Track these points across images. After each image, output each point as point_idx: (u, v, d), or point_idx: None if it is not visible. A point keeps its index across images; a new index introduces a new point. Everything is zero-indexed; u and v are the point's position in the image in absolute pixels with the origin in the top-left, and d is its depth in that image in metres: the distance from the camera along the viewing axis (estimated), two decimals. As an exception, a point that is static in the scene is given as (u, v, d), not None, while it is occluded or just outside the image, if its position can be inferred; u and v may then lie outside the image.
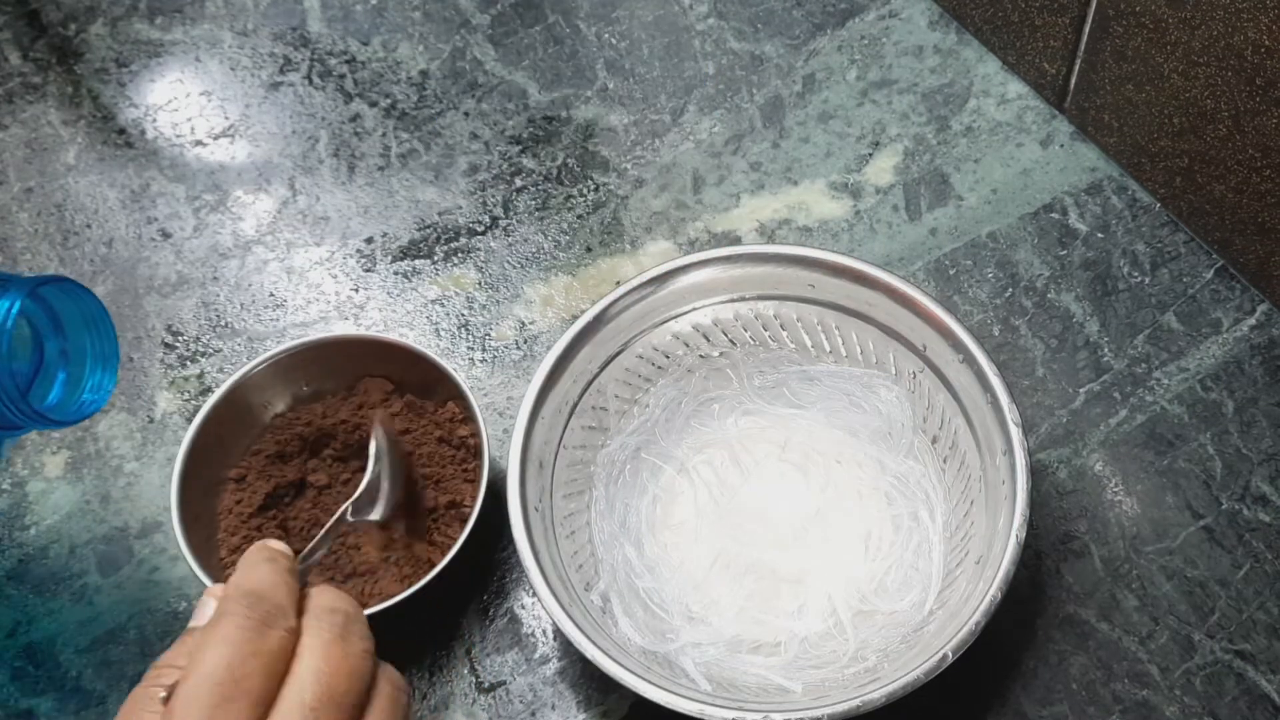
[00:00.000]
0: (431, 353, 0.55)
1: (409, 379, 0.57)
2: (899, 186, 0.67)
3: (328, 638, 0.38)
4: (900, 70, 0.71)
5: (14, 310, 0.42)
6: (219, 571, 0.53)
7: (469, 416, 0.55)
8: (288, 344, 0.56)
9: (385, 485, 0.51)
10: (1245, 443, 0.57)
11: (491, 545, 0.56)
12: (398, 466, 0.53)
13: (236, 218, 0.68)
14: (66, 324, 0.45)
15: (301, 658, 0.38)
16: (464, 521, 0.52)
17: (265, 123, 0.72)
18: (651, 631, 0.51)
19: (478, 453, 0.54)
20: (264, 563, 0.41)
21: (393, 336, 0.57)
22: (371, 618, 0.49)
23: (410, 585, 0.50)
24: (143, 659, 0.55)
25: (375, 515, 0.51)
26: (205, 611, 0.41)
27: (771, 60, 0.72)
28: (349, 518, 0.49)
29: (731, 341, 0.58)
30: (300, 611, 0.40)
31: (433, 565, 0.51)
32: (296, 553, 0.43)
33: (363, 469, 0.56)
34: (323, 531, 0.47)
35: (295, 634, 0.39)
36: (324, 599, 0.40)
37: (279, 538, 0.54)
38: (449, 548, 0.51)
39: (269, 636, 0.38)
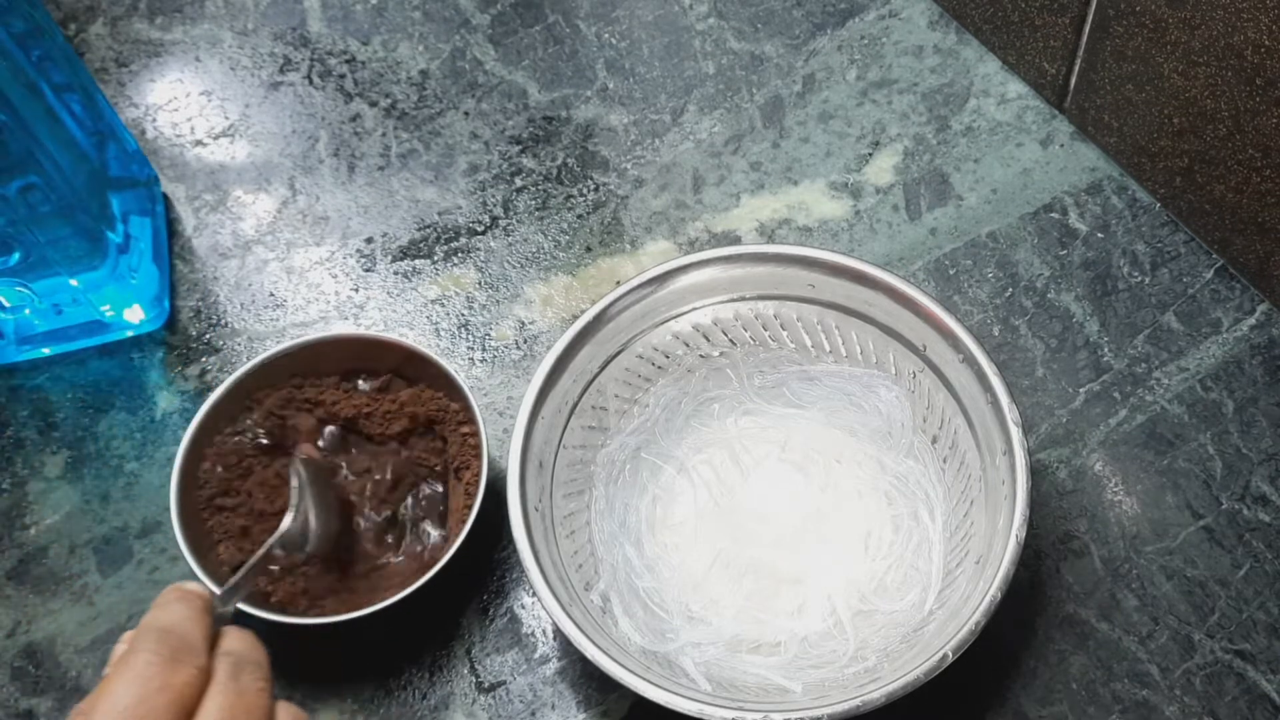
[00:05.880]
0: (432, 352, 0.55)
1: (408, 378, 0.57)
2: (899, 186, 0.67)
3: (223, 677, 0.39)
4: (900, 70, 0.71)
5: None
6: (218, 570, 0.53)
7: (469, 417, 0.55)
8: (286, 343, 0.56)
9: (312, 520, 0.51)
10: (1245, 442, 0.57)
11: (491, 545, 0.56)
12: (325, 497, 0.53)
13: (236, 217, 0.68)
14: None
15: (207, 695, 0.39)
16: (463, 522, 0.52)
17: (265, 122, 0.72)
18: (651, 631, 0.51)
19: (477, 452, 0.54)
20: (175, 602, 0.42)
21: (392, 335, 0.57)
22: (373, 617, 0.50)
23: (409, 585, 0.50)
24: (143, 659, 0.55)
25: (307, 549, 0.51)
26: (119, 655, 0.41)
27: (771, 60, 0.72)
28: (277, 551, 0.50)
29: (731, 341, 0.58)
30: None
31: (431, 565, 0.51)
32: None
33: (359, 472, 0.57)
34: (245, 568, 0.48)
35: (206, 673, 0.39)
36: (225, 643, 0.41)
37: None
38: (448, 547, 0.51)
39: (178, 672, 0.38)
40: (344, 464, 0.56)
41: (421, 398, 0.57)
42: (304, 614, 0.52)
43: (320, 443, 0.56)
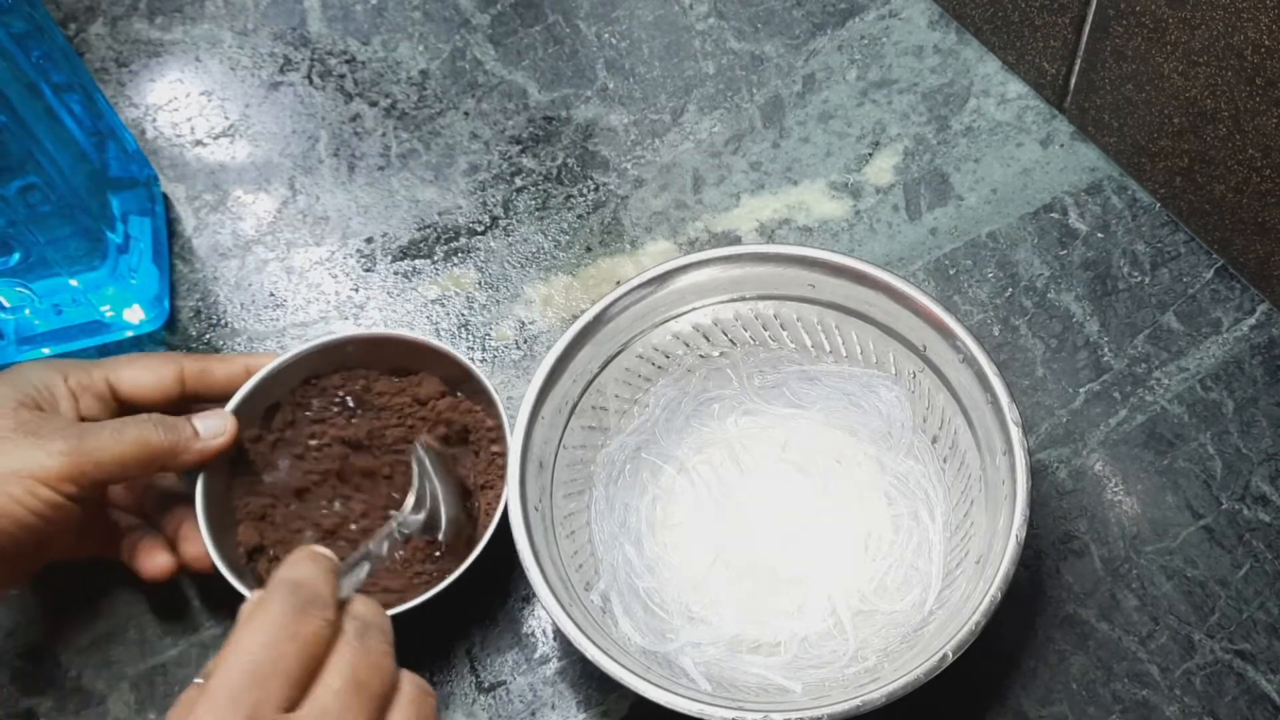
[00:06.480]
0: (476, 368, 0.54)
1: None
2: (899, 186, 0.67)
3: (351, 635, 0.40)
4: (900, 70, 0.71)
5: None
6: (234, 552, 0.52)
7: (500, 436, 0.54)
8: (352, 332, 0.56)
9: (441, 508, 0.51)
10: (1245, 442, 0.57)
11: (492, 545, 0.56)
12: (449, 484, 0.53)
13: (236, 217, 0.68)
14: None
15: (333, 650, 0.40)
16: (480, 539, 0.51)
17: (265, 122, 0.72)
18: (651, 631, 0.51)
19: (503, 474, 0.53)
20: (305, 560, 0.43)
21: (443, 345, 0.55)
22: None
23: (423, 591, 0.50)
24: (143, 659, 0.55)
25: (438, 535, 0.51)
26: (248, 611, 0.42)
27: (771, 60, 0.72)
28: (400, 534, 0.49)
29: (731, 341, 0.58)
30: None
31: (444, 576, 0.50)
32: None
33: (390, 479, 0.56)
34: (373, 541, 0.48)
35: (334, 628, 0.40)
36: (352, 608, 0.42)
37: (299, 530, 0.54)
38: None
39: (307, 623, 0.39)
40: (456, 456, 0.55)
41: (460, 408, 0.56)
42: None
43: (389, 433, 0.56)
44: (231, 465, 0.54)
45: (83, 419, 0.50)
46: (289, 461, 0.55)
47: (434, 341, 0.56)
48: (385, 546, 0.48)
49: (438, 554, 0.52)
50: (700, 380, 0.58)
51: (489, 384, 0.54)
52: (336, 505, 0.55)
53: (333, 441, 0.55)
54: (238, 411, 0.53)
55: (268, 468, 0.55)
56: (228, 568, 0.50)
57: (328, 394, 0.56)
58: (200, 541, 0.51)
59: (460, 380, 0.56)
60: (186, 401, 0.53)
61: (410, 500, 0.51)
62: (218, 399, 0.54)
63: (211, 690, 0.37)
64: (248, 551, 0.53)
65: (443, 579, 0.50)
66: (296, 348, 0.55)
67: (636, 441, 0.57)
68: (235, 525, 0.54)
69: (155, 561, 0.52)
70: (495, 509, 0.52)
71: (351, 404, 0.56)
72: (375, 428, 0.56)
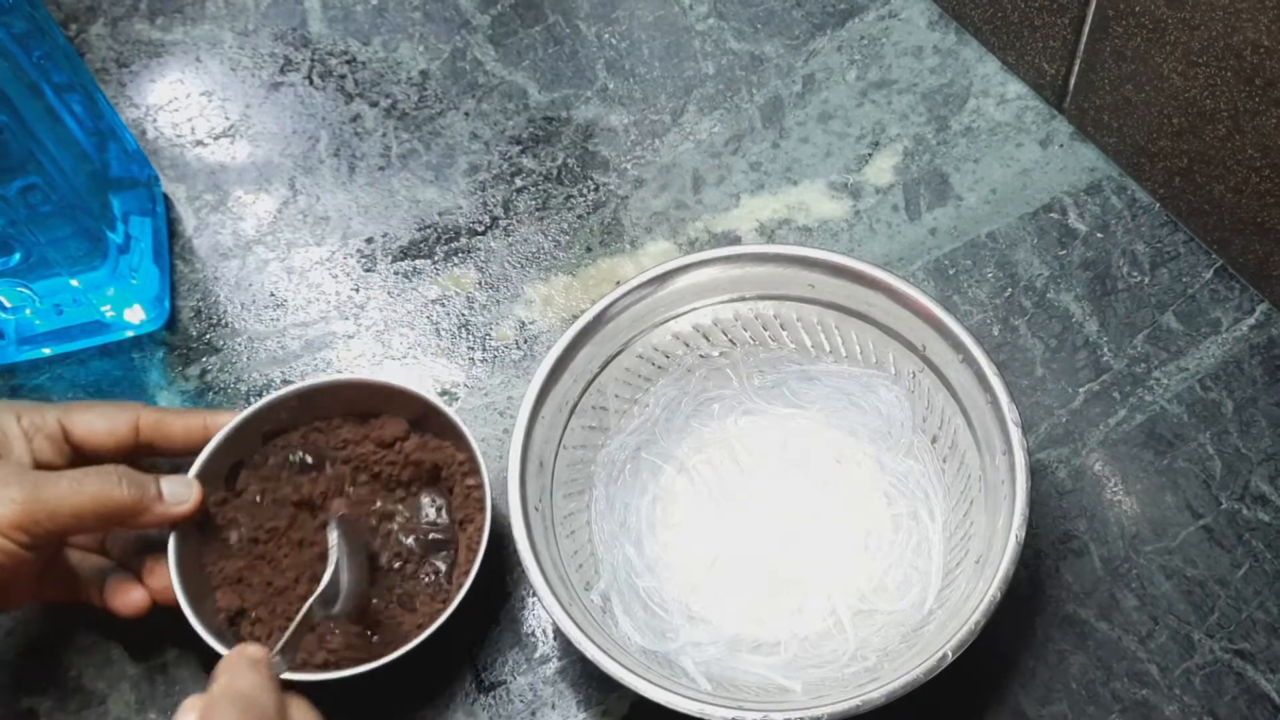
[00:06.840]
0: (441, 404, 0.54)
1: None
2: (898, 186, 0.67)
3: None
4: (900, 70, 0.71)
5: None
6: (214, 617, 0.52)
7: (474, 469, 0.53)
8: (297, 385, 0.55)
9: (343, 581, 0.50)
10: (1244, 442, 0.57)
11: (492, 545, 0.56)
12: (357, 556, 0.52)
13: (237, 218, 0.68)
14: None
15: None
16: (466, 574, 0.51)
17: (266, 123, 0.72)
18: (651, 631, 0.51)
19: (481, 506, 0.53)
20: (249, 669, 0.42)
21: (404, 384, 0.55)
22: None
23: (411, 637, 0.50)
24: (143, 658, 0.55)
25: (335, 609, 0.50)
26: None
27: (771, 60, 0.72)
28: (317, 611, 0.49)
29: (731, 341, 0.58)
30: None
31: (434, 618, 0.50)
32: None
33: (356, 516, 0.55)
34: (289, 631, 0.47)
35: None
36: (293, 714, 0.41)
37: (274, 575, 0.53)
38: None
39: None
40: (374, 518, 0.55)
41: (428, 446, 0.55)
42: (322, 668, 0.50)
43: (351, 489, 0.55)
44: (200, 529, 0.53)
45: (36, 462, 0.48)
46: (256, 524, 0.54)
47: (393, 381, 0.55)
48: (310, 634, 0.49)
49: (335, 627, 0.51)
50: (700, 380, 0.58)
51: (455, 417, 0.53)
52: (305, 571, 0.54)
53: (287, 505, 0.54)
54: (202, 474, 0.52)
55: (235, 530, 0.54)
56: (210, 633, 0.49)
57: (287, 453, 0.55)
58: (165, 575, 0.50)
59: (426, 415, 0.55)
60: (140, 452, 0.52)
61: (326, 576, 0.49)
62: (173, 452, 0.53)
63: None
64: (229, 617, 0.52)
65: (434, 619, 0.50)
66: (254, 404, 0.54)
67: (636, 441, 0.57)
68: (212, 590, 0.52)
69: (129, 598, 0.51)
70: (478, 543, 0.51)
71: (311, 462, 0.55)
72: (327, 489, 0.55)
